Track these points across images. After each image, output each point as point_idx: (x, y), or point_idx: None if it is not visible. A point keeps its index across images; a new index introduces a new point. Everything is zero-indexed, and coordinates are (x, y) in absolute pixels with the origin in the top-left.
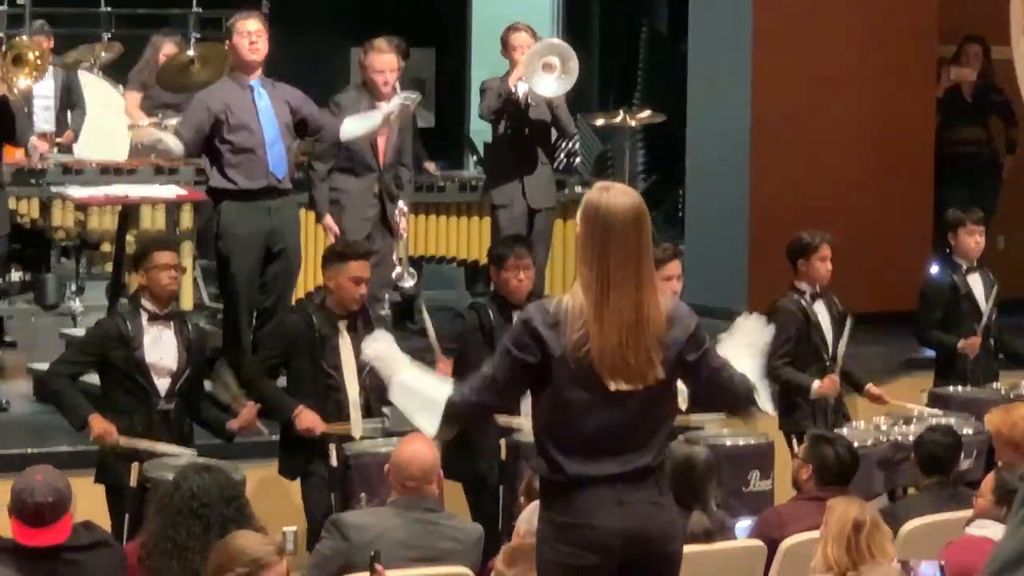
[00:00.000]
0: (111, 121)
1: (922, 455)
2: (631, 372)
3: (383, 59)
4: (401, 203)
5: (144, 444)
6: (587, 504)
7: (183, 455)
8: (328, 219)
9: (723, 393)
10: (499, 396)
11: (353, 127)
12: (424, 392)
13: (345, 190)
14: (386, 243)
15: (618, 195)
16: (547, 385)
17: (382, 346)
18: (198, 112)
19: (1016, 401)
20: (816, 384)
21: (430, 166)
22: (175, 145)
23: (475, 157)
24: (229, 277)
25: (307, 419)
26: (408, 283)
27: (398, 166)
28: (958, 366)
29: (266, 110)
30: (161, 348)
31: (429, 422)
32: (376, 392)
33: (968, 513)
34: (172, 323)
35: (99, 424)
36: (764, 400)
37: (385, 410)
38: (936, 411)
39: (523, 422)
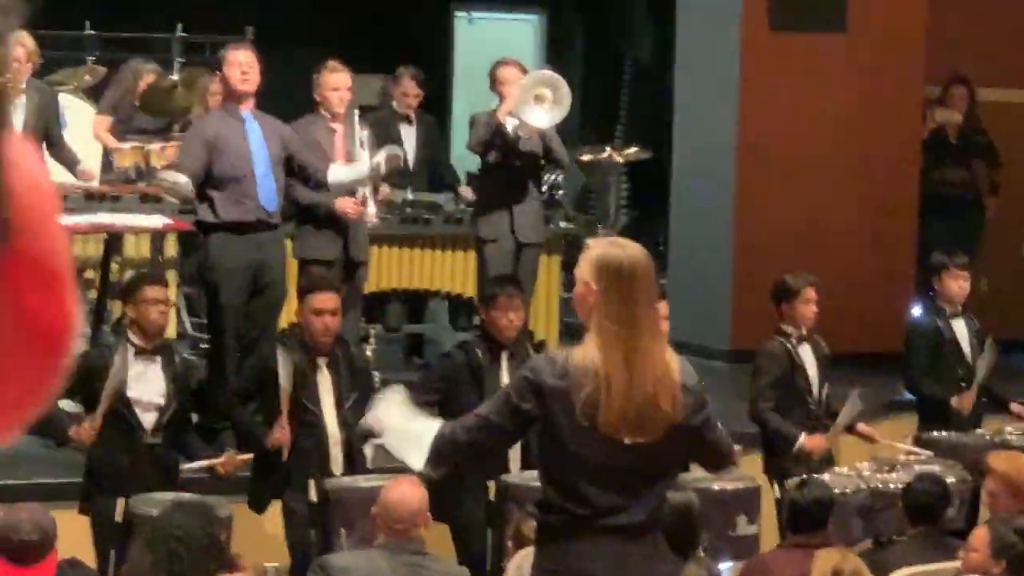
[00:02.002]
0: (82, 145)
1: (910, 504)
2: (655, 422)
3: (337, 77)
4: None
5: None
6: (585, 554)
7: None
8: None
9: (715, 455)
10: (490, 438)
11: (340, 174)
12: (414, 429)
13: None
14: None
15: (631, 247)
16: (548, 437)
17: (380, 413)
18: (195, 143)
19: (1003, 446)
20: (803, 438)
21: (465, 192)
22: (183, 181)
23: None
24: (217, 309)
25: (277, 434)
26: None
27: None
28: (941, 410)
29: (258, 142)
30: (146, 383)
31: (417, 457)
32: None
33: (954, 564)
34: (159, 357)
35: (77, 431)
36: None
37: (366, 449)
38: (926, 451)
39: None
